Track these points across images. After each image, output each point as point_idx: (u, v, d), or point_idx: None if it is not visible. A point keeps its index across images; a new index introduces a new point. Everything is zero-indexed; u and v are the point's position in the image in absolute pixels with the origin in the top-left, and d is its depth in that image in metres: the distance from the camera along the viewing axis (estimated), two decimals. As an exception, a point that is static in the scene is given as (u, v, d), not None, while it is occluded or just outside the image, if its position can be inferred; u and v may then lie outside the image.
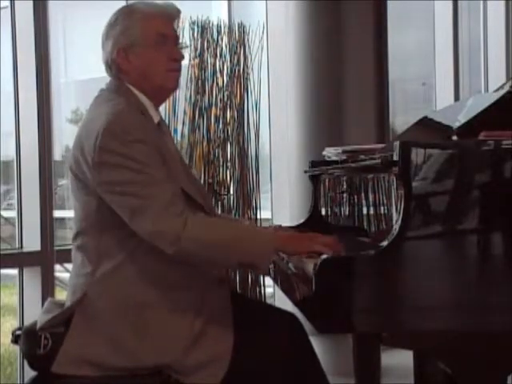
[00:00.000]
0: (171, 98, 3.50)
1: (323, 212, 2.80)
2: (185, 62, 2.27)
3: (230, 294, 2.19)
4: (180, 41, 2.26)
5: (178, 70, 2.23)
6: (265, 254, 2.01)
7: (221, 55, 3.81)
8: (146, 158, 2.01)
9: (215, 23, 3.80)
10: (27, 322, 2.27)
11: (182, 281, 2.08)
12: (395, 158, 1.85)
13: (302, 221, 2.83)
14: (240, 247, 2.01)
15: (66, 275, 3.21)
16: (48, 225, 3.58)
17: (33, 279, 3.59)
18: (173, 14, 2.22)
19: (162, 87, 2.20)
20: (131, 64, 2.16)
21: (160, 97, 2.24)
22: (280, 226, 2.27)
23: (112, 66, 2.18)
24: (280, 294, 2.61)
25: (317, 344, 2.27)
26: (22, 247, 3.68)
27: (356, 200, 2.45)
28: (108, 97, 2.16)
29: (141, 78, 2.16)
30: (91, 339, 2.04)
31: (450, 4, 5.88)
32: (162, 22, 2.18)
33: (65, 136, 5.65)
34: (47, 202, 3.58)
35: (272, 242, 2.03)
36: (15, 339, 2.24)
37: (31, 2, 3.57)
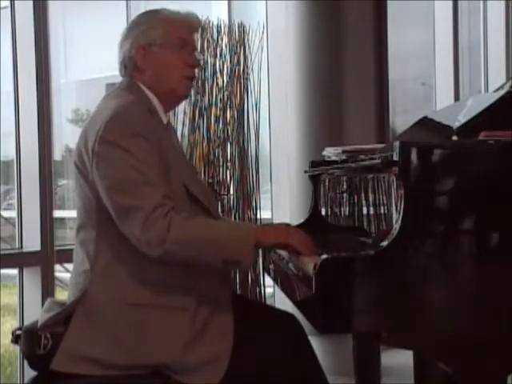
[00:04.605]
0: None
1: (323, 212, 2.80)
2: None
3: (231, 294, 2.19)
4: (198, 53, 2.30)
5: (192, 77, 2.27)
6: (247, 250, 2.02)
7: (221, 55, 3.80)
8: (145, 155, 2.02)
9: (215, 23, 3.80)
10: (27, 322, 2.27)
11: (183, 280, 2.08)
12: (395, 158, 1.85)
13: (301, 221, 2.83)
14: (223, 244, 2.02)
15: (66, 275, 3.21)
16: (48, 225, 3.58)
17: (33, 279, 3.59)
18: (195, 24, 2.29)
19: (174, 92, 2.21)
20: (148, 62, 2.18)
21: (170, 101, 2.24)
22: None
23: (128, 63, 2.19)
24: (280, 294, 2.61)
25: (317, 344, 2.27)
26: (22, 247, 3.68)
27: (356, 200, 2.45)
28: (118, 94, 2.17)
29: (154, 78, 2.18)
30: (91, 336, 2.04)
31: (450, 4, 5.88)
32: (184, 28, 2.23)
33: (65, 136, 5.64)
34: (47, 201, 3.58)
35: (253, 237, 2.04)
36: (15, 339, 2.24)
37: (31, 2, 3.57)
